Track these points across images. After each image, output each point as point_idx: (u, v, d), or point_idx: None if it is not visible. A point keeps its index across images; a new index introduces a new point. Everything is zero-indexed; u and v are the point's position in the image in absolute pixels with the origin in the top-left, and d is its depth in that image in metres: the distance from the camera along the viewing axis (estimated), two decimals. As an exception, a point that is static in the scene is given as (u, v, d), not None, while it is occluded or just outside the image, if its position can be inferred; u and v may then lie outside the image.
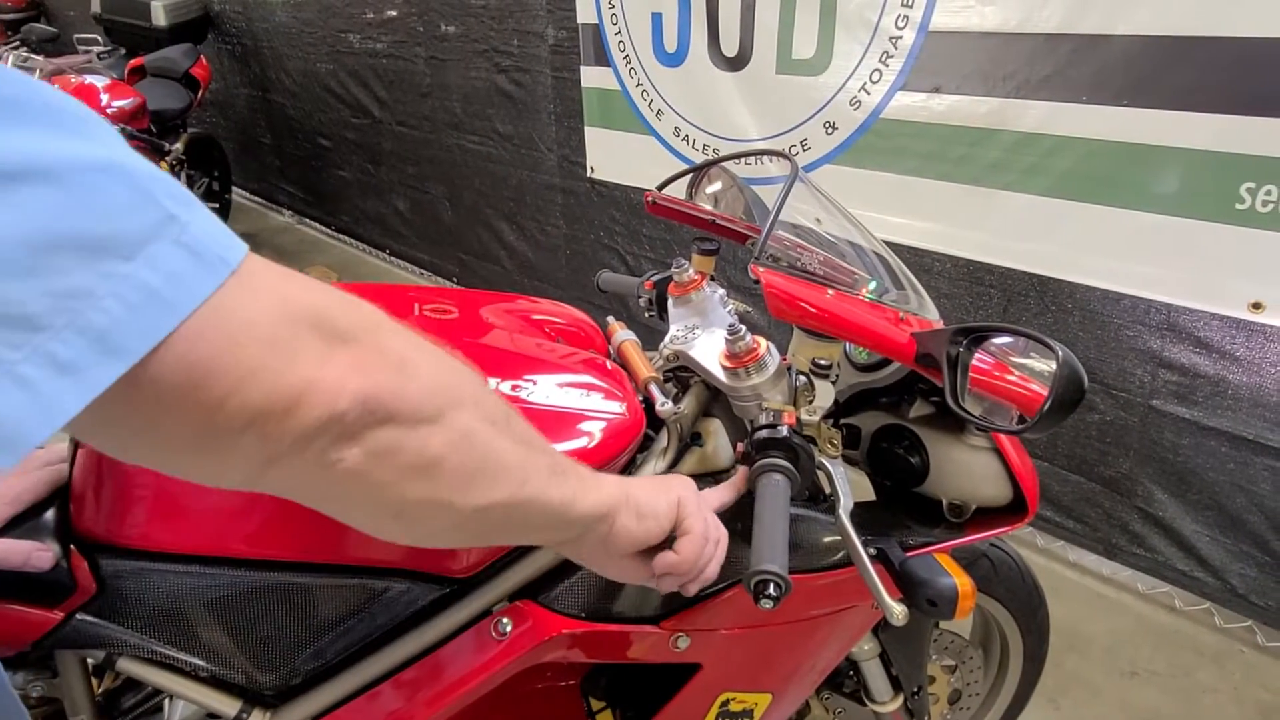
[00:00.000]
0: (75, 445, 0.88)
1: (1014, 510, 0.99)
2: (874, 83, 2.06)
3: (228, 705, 0.93)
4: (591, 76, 2.79)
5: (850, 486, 0.86)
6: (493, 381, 0.87)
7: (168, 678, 0.92)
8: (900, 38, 1.97)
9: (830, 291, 0.89)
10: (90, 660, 0.97)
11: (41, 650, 0.85)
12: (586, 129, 2.89)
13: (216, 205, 4.39)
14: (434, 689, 0.90)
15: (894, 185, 2.11)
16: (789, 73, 2.23)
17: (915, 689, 1.24)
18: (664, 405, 0.93)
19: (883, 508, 1.08)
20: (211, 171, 4.39)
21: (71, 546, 0.87)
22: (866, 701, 1.23)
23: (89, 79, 3.37)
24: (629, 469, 0.94)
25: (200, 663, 0.91)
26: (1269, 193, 1.58)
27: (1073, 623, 1.96)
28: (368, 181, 4.22)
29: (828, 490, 0.90)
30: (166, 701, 1.07)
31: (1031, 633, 1.37)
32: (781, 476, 0.81)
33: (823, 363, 0.92)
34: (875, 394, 1.06)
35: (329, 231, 4.77)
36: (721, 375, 0.95)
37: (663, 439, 0.96)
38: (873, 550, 0.94)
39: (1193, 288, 1.72)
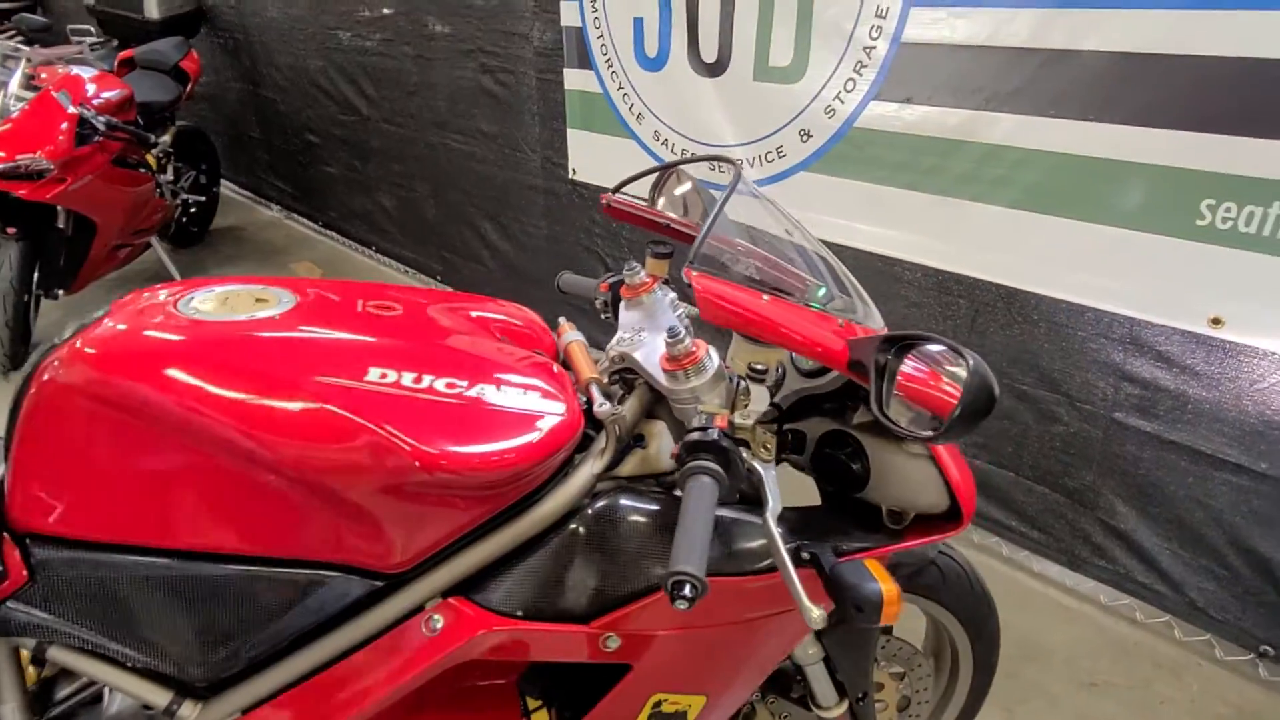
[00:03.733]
0: (9, 436, 0.88)
1: (952, 518, 1.00)
2: (848, 92, 2.07)
3: (159, 696, 0.93)
4: (574, 79, 2.80)
5: (780, 490, 0.87)
6: (428, 378, 0.88)
7: (99, 667, 0.93)
8: (874, 48, 1.99)
9: (766, 297, 0.90)
10: (24, 650, 0.97)
11: None
12: (569, 131, 2.90)
13: (203, 198, 4.38)
14: (364, 684, 0.91)
15: (866, 194, 2.12)
16: (766, 80, 2.24)
17: (861, 695, 1.25)
18: (601, 406, 0.94)
19: (827, 513, 1.09)
20: (199, 164, 4.37)
21: (3, 534, 0.87)
22: (812, 707, 1.24)
23: (76, 70, 3.35)
24: (566, 469, 0.95)
25: (132, 653, 0.91)
26: (1228, 209, 1.59)
27: (1034, 633, 1.97)
28: (354, 178, 4.22)
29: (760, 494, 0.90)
30: (106, 693, 1.07)
31: (981, 641, 1.38)
32: (709, 479, 0.81)
33: (759, 367, 0.93)
34: (819, 400, 1.07)
35: (316, 227, 4.77)
36: (661, 377, 0.96)
37: (601, 439, 0.96)
38: (806, 555, 0.95)
39: (1154, 302, 1.74)
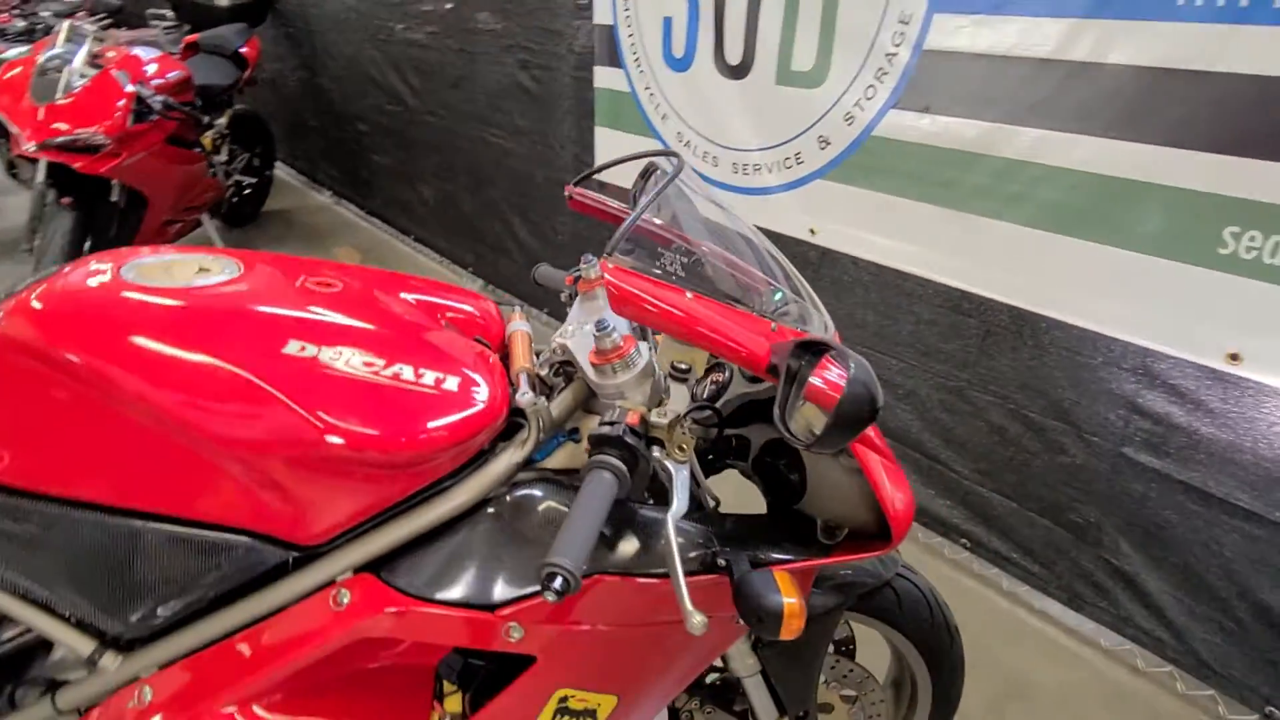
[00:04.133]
0: None
1: (884, 536, 0.96)
2: (868, 99, 2.02)
3: (83, 645, 0.96)
4: (604, 77, 2.80)
5: (689, 493, 0.84)
6: (345, 354, 0.88)
7: (29, 612, 0.95)
8: (895, 55, 1.93)
9: (690, 294, 0.87)
10: None
11: None
12: (597, 129, 2.91)
13: (255, 180, 4.52)
14: (272, 652, 0.92)
15: (880, 205, 2.07)
16: (788, 84, 2.20)
17: (802, 713, 1.21)
18: (524, 395, 0.93)
19: (766, 522, 1.06)
20: (254, 147, 4.53)
21: None
22: (750, 721, 1.21)
23: (136, 50, 3.51)
24: (486, 455, 0.94)
25: (59, 601, 0.94)
26: (1253, 238, 1.50)
27: (1026, 671, 1.89)
28: (398, 168, 4.31)
29: (673, 493, 0.88)
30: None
31: (941, 672, 1.32)
32: (609, 475, 0.80)
33: (681, 366, 0.91)
34: (763, 406, 1.04)
35: (362, 214, 4.88)
36: (590, 371, 0.94)
37: (525, 429, 0.95)
38: (723, 561, 0.93)
39: (1170, 333, 1.64)
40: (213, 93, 4.06)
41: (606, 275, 0.82)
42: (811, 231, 2.28)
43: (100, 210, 3.30)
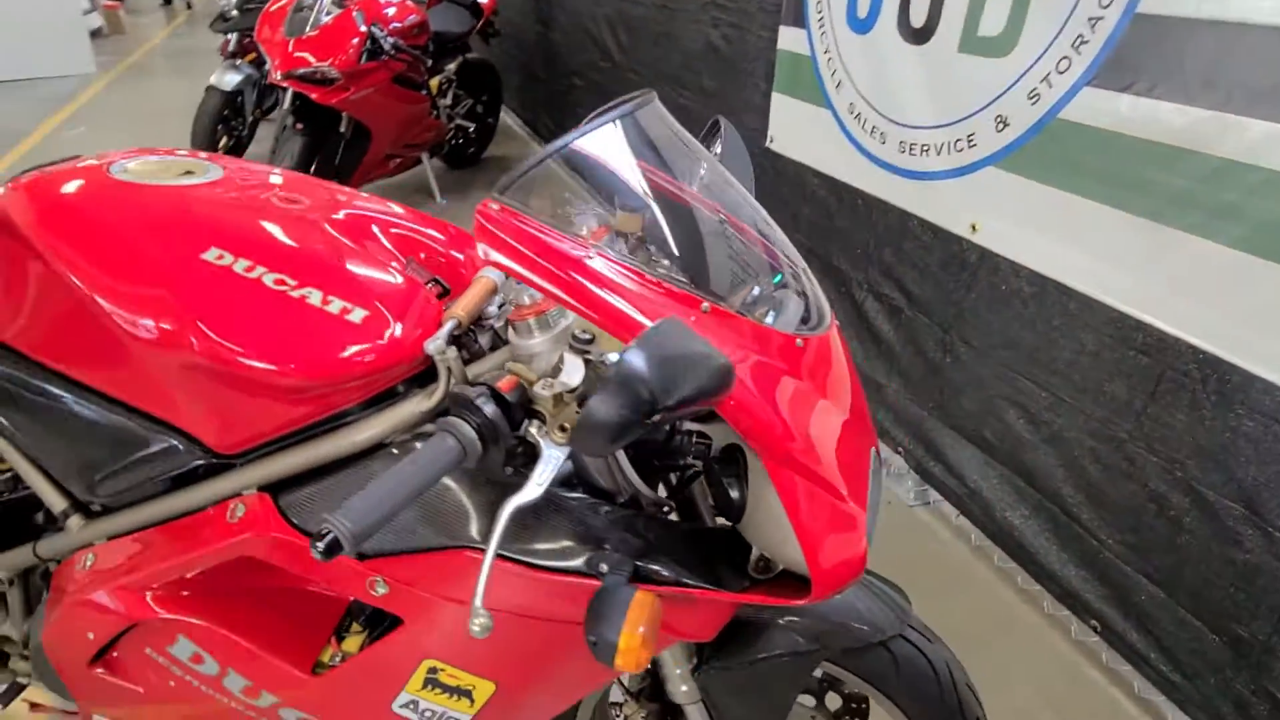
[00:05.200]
0: None
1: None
2: (1059, 73, 1.66)
3: (57, 502, 1.04)
4: (787, 38, 2.60)
5: (551, 480, 0.72)
6: (260, 269, 0.86)
7: (19, 461, 1.05)
8: (1101, 19, 1.56)
9: (593, 254, 0.74)
10: None
11: None
12: (774, 95, 2.71)
13: (475, 125, 4.80)
14: (175, 549, 0.94)
15: (1056, 203, 1.71)
16: (971, 52, 1.88)
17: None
18: (432, 343, 0.85)
19: (700, 537, 0.91)
20: (480, 94, 4.81)
21: None
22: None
23: (378, -7, 3.84)
24: (389, 397, 0.89)
25: (44, 457, 1.03)
26: None
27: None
28: (601, 124, 4.37)
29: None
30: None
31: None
32: (453, 441, 0.70)
33: (584, 336, 0.78)
34: None
35: (568, 168, 5.04)
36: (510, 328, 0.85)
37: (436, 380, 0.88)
38: (604, 566, 0.80)
39: None
40: (446, 39, 4.36)
41: (479, 216, 0.71)
42: (973, 228, 1.95)
43: (329, 139, 3.68)
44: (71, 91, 6.32)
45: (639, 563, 0.81)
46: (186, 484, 0.95)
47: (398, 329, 0.86)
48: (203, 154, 1.07)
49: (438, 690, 0.89)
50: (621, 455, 0.86)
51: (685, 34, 3.28)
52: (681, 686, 1.01)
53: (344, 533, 0.63)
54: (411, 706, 0.91)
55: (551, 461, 0.74)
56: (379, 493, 0.65)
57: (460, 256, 1.07)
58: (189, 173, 0.99)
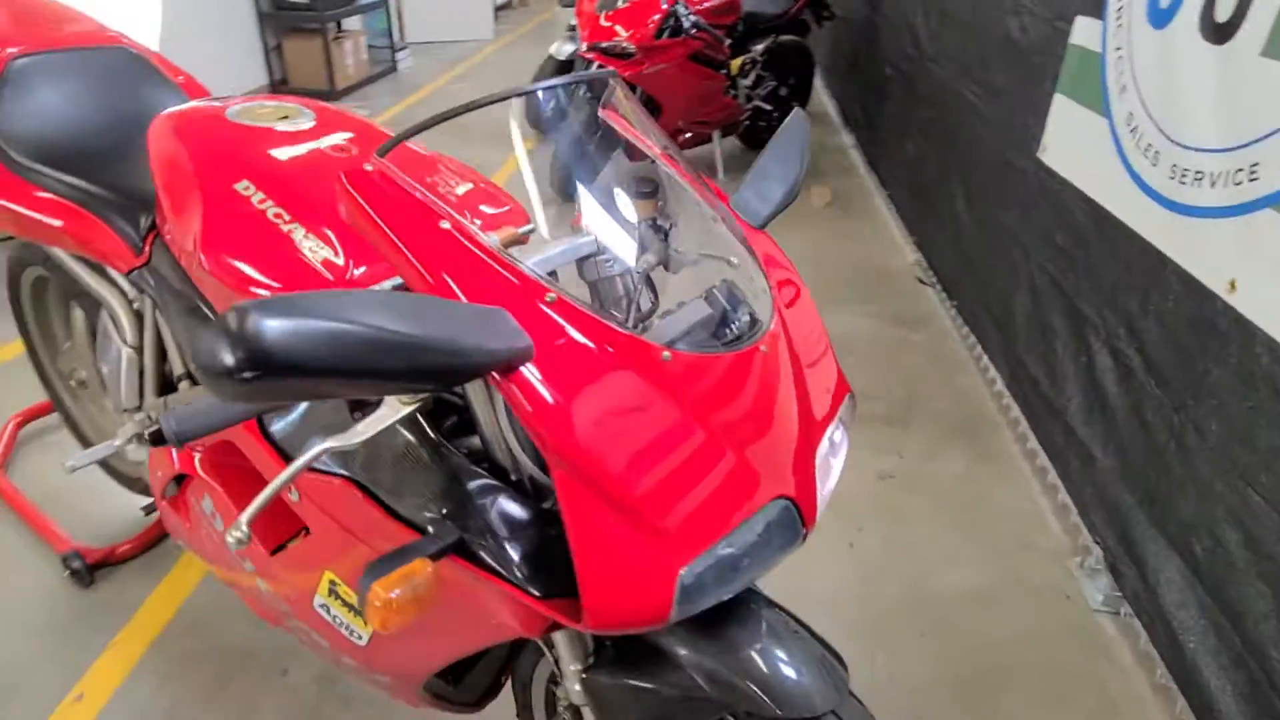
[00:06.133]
0: None
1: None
2: (1384, 91, 1.20)
3: (179, 369, 1.32)
4: (1081, 31, 2.18)
5: (377, 432, 0.73)
6: (261, 197, 0.99)
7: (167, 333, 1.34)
8: None
9: (445, 224, 0.72)
10: None
11: None
12: (1055, 95, 2.30)
13: (771, 108, 4.73)
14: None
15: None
16: (1277, 56, 1.43)
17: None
18: None
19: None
20: (786, 78, 4.73)
21: None
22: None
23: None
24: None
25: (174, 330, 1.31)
26: None
27: None
28: (898, 118, 4.07)
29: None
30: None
31: None
32: None
33: None
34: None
35: (862, 160, 4.79)
36: None
37: None
38: (430, 528, 0.81)
39: None
40: (759, 20, 4.36)
41: (343, 178, 0.73)
42: (1231, 285, 1.50)
43: (620, 109, 3.93)
44: (467, 54, 7.53)
45: (466, 537, 0.80)
46: None
47: (356, 271, 0.94)
48: (309, 103, 1.24)
49: (339, 602, 0.98)
50: (511, 436, 0.85)
51: (988, 22, 2.91)
52: (574, 685, 0.97)
53: (169, 429, 0.72)
54: (325, 610, 1.01)
55: (384, 418, 0.76)
56: (205, 404, 0.73)
57: (493, 204, 1.11)
58: (285, 117, 1.16)
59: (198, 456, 1.17)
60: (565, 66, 4.79)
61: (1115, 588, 1.86)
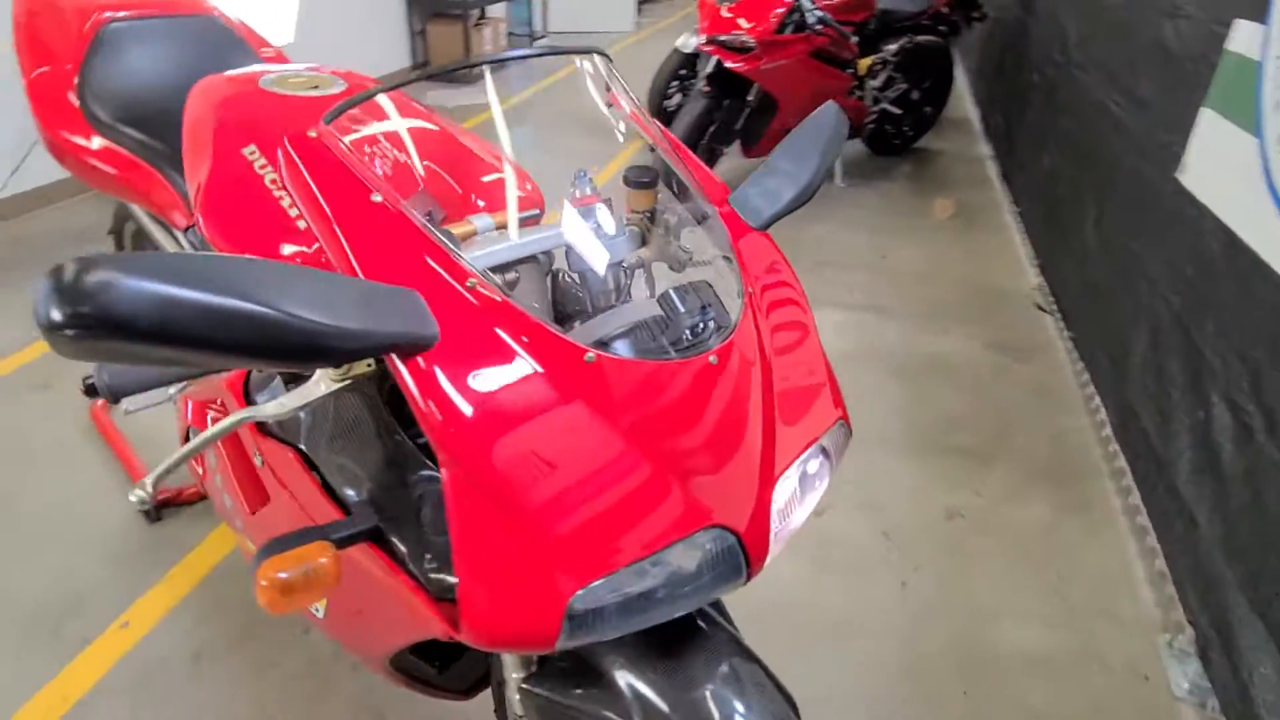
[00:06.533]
0: None
1: None
2: None
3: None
4: (1240, 37, 1.90)
5: (298, 407, 0.72)
6: (268, 169, 1.00)
7: None
8: None
9: (377, 196, 0.69)
10: None
11: None
12: (1202, 108, 2.03)
13: (900, 111, 4.46)
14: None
15: None
16: None
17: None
18: None
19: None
20: (921, 81, 4.45)
21: None
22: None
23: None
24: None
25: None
26: None
27: None
28: (1037, 128, 3.74)
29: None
30: None
31: None
32: None
33: None
34: None
35: (998, 172, 4.45)
36: None
37: None
38: (352, 509, 0.79)
39: None
40: (894, 18, 4.13)
41: (286, 142, 0.71)
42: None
43: (732, 104, 3.82)
44: (604, 46, 7.62)
45: (383, 525, 0.77)
46: None
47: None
48: (342, 73, 1.25)
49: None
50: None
51: (1141, 24, 2.61)
52: (514, 695, 0.93)
53: (101, 383, 0.73)
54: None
55: (309, 393, 0.74)
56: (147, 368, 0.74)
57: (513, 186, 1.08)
58: (316, 87, 1.18)
59: (210, 415, 1.22)
60: (691, 60, 4.73)
61: (1204, 675, 1.61)
